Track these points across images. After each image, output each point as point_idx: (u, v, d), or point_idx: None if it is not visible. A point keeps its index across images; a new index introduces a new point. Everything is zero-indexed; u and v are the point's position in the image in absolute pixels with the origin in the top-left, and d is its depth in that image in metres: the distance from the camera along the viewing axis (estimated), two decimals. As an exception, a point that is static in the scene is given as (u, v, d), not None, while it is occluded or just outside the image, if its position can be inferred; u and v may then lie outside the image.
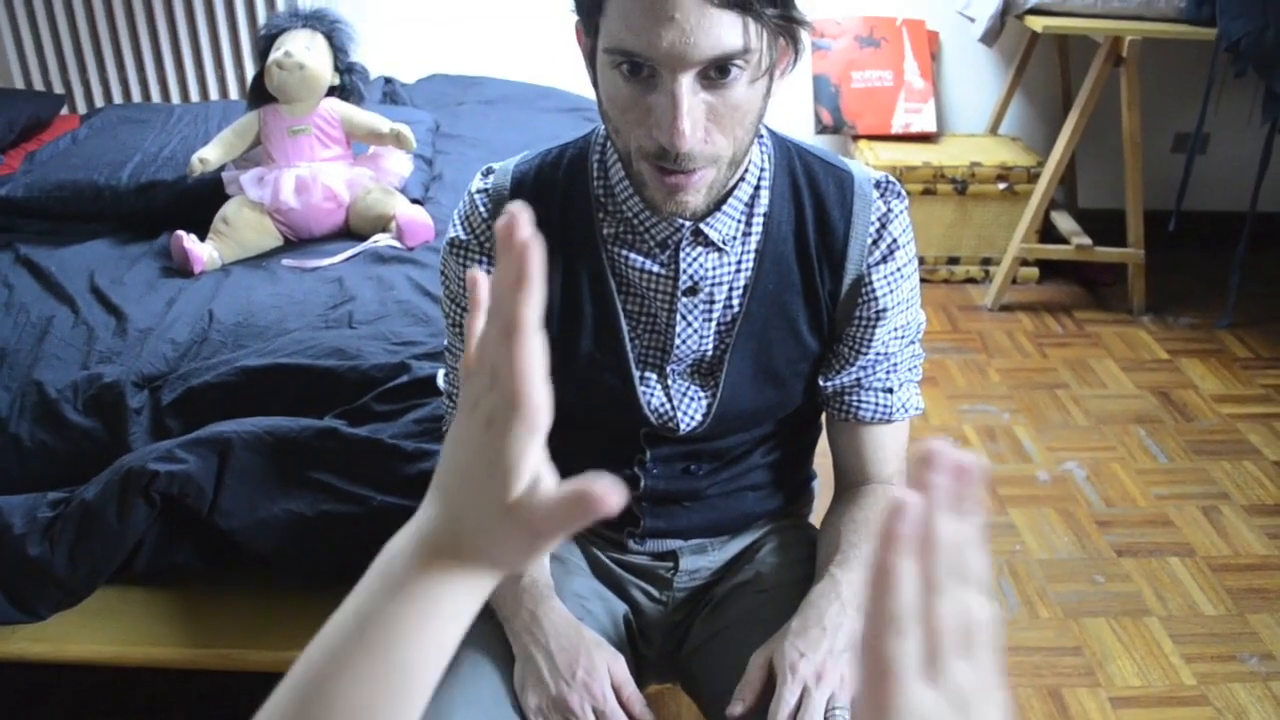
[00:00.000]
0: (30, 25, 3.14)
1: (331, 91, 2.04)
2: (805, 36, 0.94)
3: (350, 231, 2.07)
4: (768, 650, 1.00)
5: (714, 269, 1.03)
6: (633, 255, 1.03)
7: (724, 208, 1.01)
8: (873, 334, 1.07)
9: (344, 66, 2.05)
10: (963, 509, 0.42)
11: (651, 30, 0.84)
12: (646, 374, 1.07)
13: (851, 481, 1.16)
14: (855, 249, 1.05)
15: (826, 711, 0.94)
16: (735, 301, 1.05)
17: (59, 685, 1.73)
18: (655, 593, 1.17)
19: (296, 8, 2.08)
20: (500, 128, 2.60)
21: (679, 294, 1.03)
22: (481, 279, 0.58)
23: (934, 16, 3.34)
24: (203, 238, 1.96)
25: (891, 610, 0.41)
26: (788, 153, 1.06)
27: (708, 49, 0.85)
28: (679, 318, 1.04)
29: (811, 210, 1.04)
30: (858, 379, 1.10)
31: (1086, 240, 3.08)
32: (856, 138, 3.30)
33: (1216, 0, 2.67)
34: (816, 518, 1.22)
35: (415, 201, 2.12)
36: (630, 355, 1.06)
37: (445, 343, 1.15)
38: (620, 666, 1.02)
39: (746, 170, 1.01)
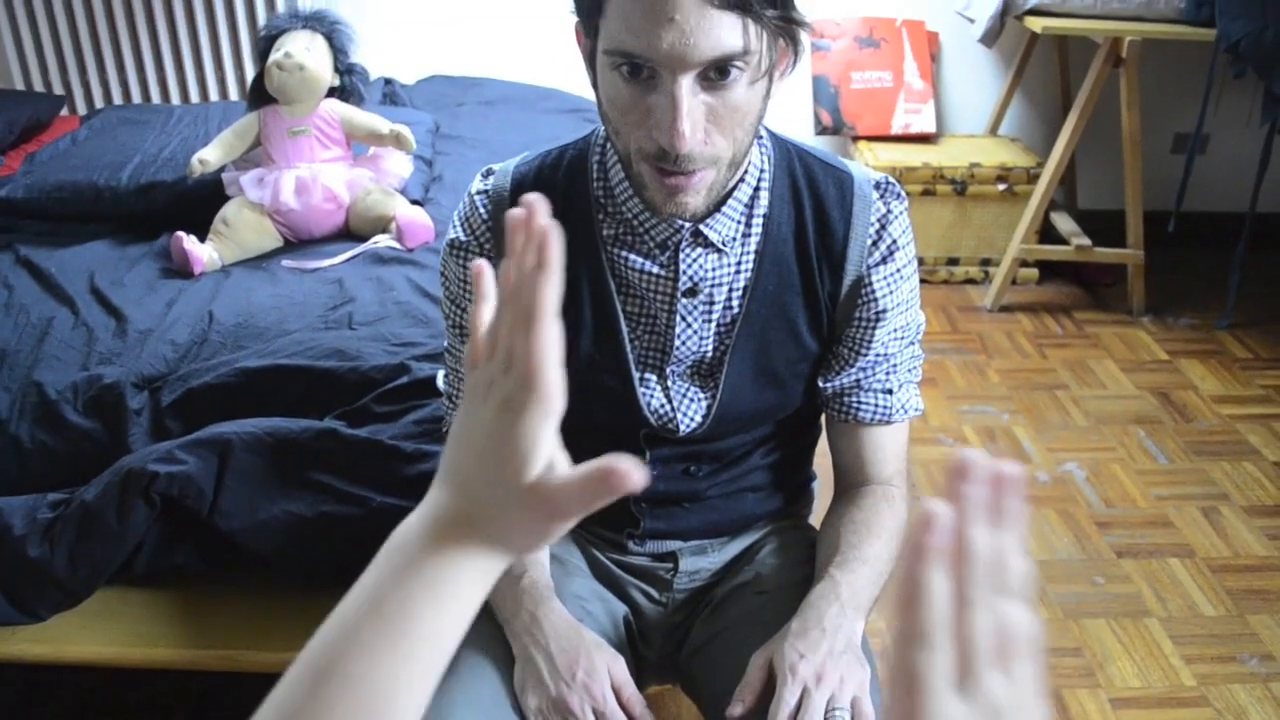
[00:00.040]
0: (30, 26, 3.14)
1: (331, 92, 2.04)
2: (805, 37, 0.94)
3: (350, 233, 2.07)
4: (767, 651, 1.01)
5: (714, 270, 1.03)
6: (632, 256, 1.03)
7: (724, 209, 1.01)
8: (872, 335, 1.07)
9: (344, 67, 2.05)
10: (1002, 519, 0.42)
11: (651, 32, 0.84)
12: (646, 375, 1.07)
13: (851, 482, 1.16)
14: (855, 250, 1.05)
15: (826, 712, 0.94)
16: (735, 302, 1.05)
17: (59, 686, 1.73)
18: (655, 594, 1.17)
19: (296, 9, 2.08)
20: (500, 129, 2.60)
21: (679, 295, 1.03)
22: (486, 269, 0.59)
23: (934, 17, 3.34)
24: (203, 239, 1.96)
25: (921, 623, 0.40)
26: (787, 154, 1.06)
27: (707, 50, 0.85)
28: (679, 319, 1.04)
29: (811, 211, 1.04)
30: (857, 380, 1.10)
31: (1086, 241, 3.08)
32: (856, 138, 3.30)
33: (1216, 1, 2.67)
34: (816, 519, 1.22)
35: (415, 203, 2.12)
36: (630, 356, 1.06)
37: (445, 344, 1.15)
38: (620, 668, 1.02)
39: (746, 171, 1.01)
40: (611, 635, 1.12)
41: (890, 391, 1.11)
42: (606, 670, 1.01)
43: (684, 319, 1.04)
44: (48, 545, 1.28)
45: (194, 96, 3.25)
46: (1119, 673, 1.80)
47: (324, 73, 1.99)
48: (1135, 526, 2.17)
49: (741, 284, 1.04)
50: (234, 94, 3.24)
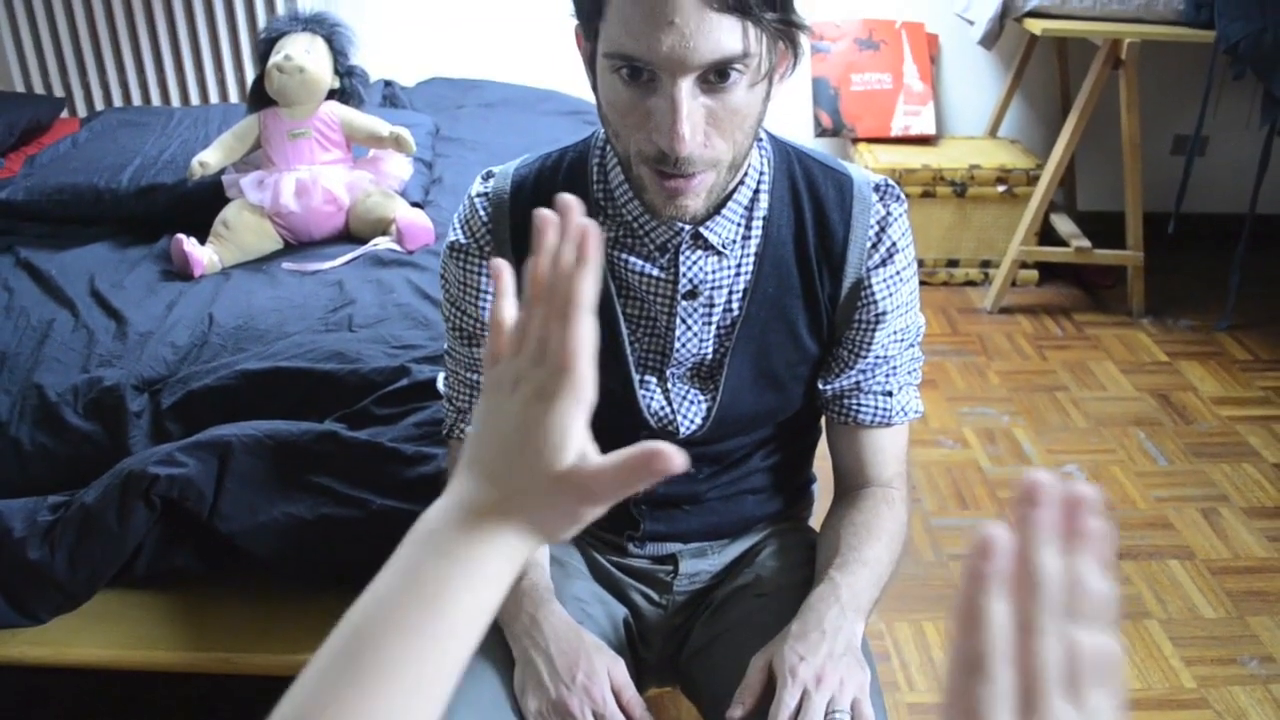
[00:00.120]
0: (30, 28, 3.14)
1: (331, 95, 2.04)
2: (804, 40, 0.94)
3: (350, 235, 2.07)
4: (767, 653, 1.00)
5: (713, 272, 1.03)
6: (632, 259, 1.03)
7: (723, 211, 1.01)
8: (872, 337, 1.07)
9: (344, 70, 2.05)
10: (1077, 542, 0.41)
11: (651, 35, 0.84)
12: (646, 377, 1.07)
13: (851, 485, 1.16)
14: (854, 252, 1.05)
15: (826, 714, 0.94)
16: (735, 305, 1.05)
17: (59, 689, 1.73)
18: (655, 596, 1.17)
19: (296, 11, 2.08)
20: (500, 131, 2.60)
21: (679, 297, 1.03)
22: (506, 267, 0.60)
23: (933, 19, 3.34)
24: (203, 241, 1.96)
25: (978, 652, 0.39)
26: (787, 156, 1.06)
27: (707, 53, 0.85)
28: (679, 321, 1.04)
29: (811, 214, 1.04)
30: (857, 382, 1.10)
31: (1086, 243, 3.08)
32: (856, 140, 3.30)
33: (1215, 3, 2.68)
34: (816, 521, 1.22)
35: (415, 205, 2.12)
36: (630, 358, 1.06)
37: (445, 346, 1.15)
38: (620, 670, 1.02)
39: (746, 174, 1.01)
40: (611, 637, 1.12)
41: (890, 394, 1.11)
42: (606, 672, 1.01)
43: (684, 321, 1.04)
44: (48, 548, 1.28)
45: (194, 99, 3.25)
46: (1119, 674, 1.80)
47: (324, 75, 1.99)
48: (1135, 528, 2.17)
49: (741, 286, 1.04)
50: (234, 96, 3.25)
